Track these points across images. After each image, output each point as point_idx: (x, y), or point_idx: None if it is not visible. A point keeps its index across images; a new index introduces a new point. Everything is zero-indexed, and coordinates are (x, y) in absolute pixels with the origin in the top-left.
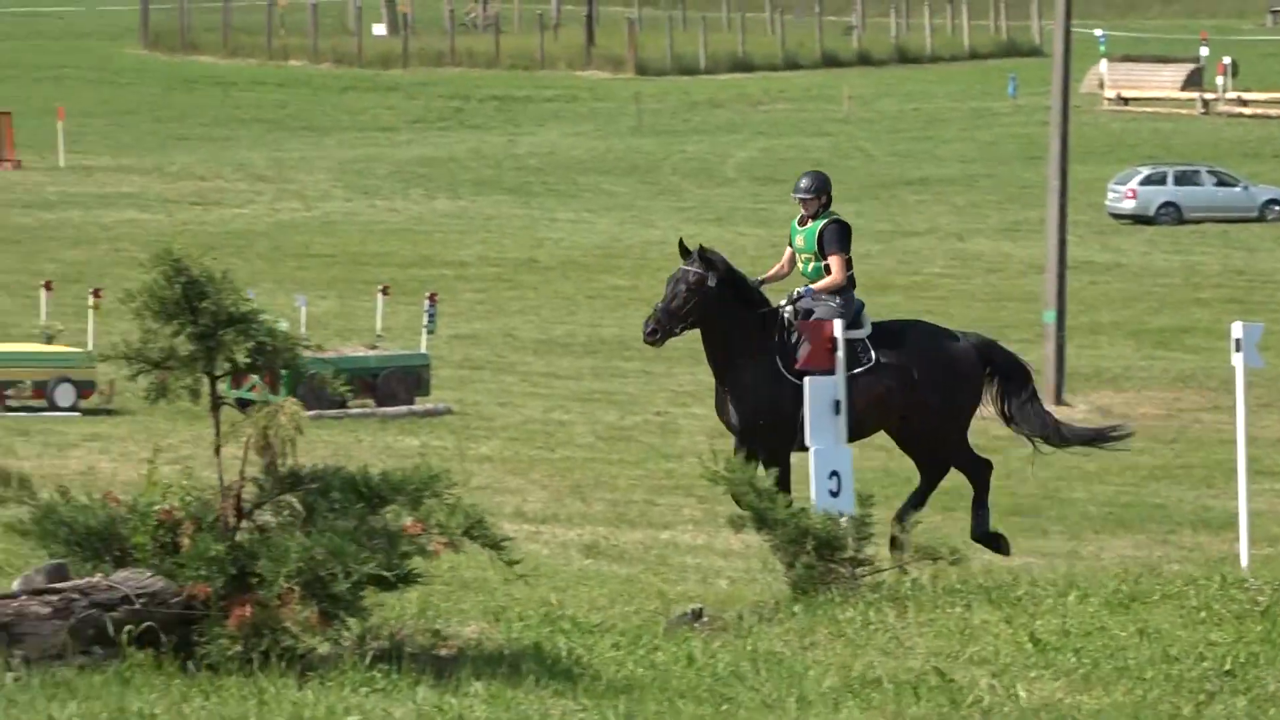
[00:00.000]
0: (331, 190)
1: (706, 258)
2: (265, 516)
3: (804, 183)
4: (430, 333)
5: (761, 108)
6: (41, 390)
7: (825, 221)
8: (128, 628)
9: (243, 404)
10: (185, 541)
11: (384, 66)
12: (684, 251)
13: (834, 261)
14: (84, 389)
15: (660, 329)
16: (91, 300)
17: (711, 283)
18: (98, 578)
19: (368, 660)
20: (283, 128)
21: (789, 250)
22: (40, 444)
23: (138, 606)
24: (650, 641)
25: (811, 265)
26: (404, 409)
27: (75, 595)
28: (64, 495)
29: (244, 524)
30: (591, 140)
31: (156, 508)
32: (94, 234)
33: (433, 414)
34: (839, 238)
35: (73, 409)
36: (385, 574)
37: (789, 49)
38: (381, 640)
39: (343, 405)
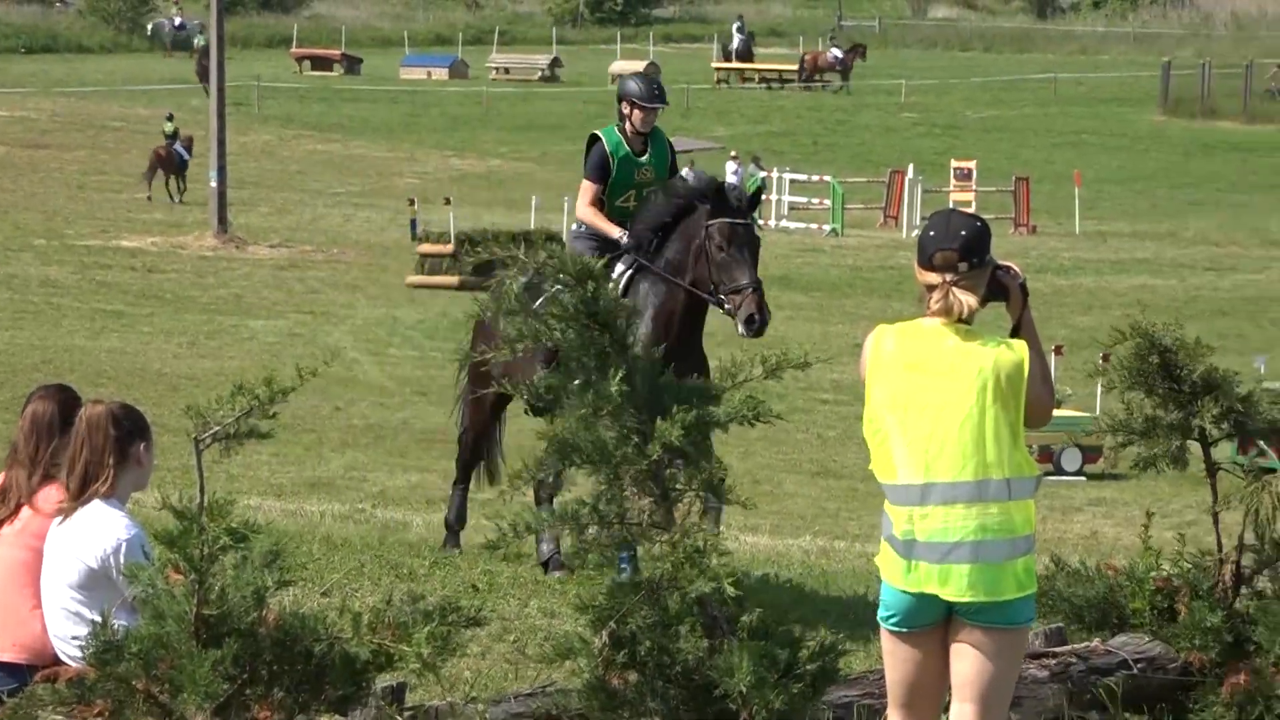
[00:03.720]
0: None
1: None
2: (1263, 583)
3: (656, 89)
4: None
5: None
6: (1048, 454)
7: (666, 138)
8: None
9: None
10: (1181, 608)
11: None
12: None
13: None
14: (1089, 454)
15: None
16: (1100, 365)
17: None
18: (1095, 642)
19: None
20: None
21: (596, 188)
22: (1045, 508)
23: (1134, 672)
24: None
25: None
26: None
27: (1073, 660)
28: (1057, 564)
29: (1243, 591)
30: None
31: (1153, 574)
32: (1106, 299)
33: None
34: None
35: (1078, 473)
36: None
37: None
38: None
39: None
